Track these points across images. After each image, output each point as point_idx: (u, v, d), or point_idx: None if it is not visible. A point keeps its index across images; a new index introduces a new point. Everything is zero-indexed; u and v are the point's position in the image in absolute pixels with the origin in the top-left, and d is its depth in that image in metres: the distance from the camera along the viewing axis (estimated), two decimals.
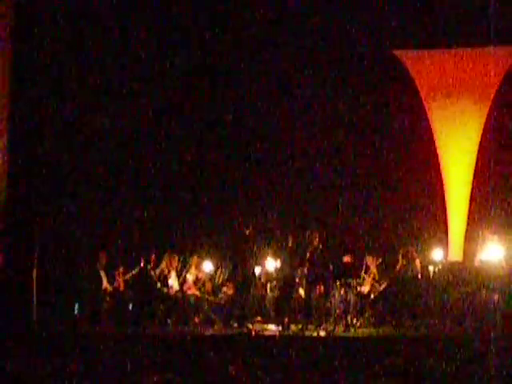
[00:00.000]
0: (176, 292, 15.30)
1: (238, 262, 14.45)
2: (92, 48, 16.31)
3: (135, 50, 16.85)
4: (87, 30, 16.13)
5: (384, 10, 16.73)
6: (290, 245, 14.11)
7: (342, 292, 14.02)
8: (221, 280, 15.57)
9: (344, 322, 13.71)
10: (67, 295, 14.89)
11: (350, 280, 14.27)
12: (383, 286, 14.76)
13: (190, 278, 15.53)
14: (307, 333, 13.22)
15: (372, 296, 14.70)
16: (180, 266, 15.57)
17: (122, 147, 17.14)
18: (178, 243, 16.56)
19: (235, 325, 13.90)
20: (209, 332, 13.39)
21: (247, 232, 14.49)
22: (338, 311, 14.00)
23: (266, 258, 14.89)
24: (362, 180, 17.58)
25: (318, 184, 17.54)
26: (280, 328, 13.66)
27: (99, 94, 16.59)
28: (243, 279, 14.40)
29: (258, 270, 15.14)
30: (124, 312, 15.02)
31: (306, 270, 13.88)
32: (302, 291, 14.35)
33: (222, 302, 15.25)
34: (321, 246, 13.86)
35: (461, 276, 14.67)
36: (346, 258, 14.54)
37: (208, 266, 15.87)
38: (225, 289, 15.33)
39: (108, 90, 16.69)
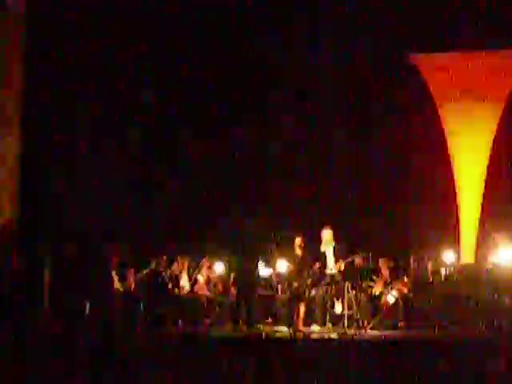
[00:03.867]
0: (187, 293, 15.31)
1: (245, 263, 14.41)
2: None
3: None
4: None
5: (397, 13, 16.72)
6: (301, 245, 14.10)
7: (353, 294, 13.98)
8: (231, 281, 15.55)
9: (355, 324, 13.67)
10: (78, 295, 14.91)
11: (361, 282, 14.27)
12: (395, 288, 14.71)
13: (201, 279, 15.54)
14: (317, 335, 13.19)
15: (383, 299, 14.67)
16: (192, 267, 15.59)
17: (135, 150, 17.19)
18: (190, 244, 16.55)
19: (244, 327, 13.86)
20: (219, 333, 13.37)
21: (257, 232, 14.52)
22: (348, 313, 13.97)
23: (277, 258, 14.87)
24: (374, 183, 17.55)
25: (330, 185, 17.51)
26: (291, 330, 13.63)
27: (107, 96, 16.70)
28: (246, 280, 14.35)
29: (268, 271, 15.13)
30: (135, 312, 15.01)
31: (317, 271, 13.89)
32: (313, 292, 14.33)
33: (232, 303, 15.23)
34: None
35: (472, 278, 14.61)
36: (358, 260, 14.53)
37: (219, 267, 15.86)
38: (232, 289, 15.32)
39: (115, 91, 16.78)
